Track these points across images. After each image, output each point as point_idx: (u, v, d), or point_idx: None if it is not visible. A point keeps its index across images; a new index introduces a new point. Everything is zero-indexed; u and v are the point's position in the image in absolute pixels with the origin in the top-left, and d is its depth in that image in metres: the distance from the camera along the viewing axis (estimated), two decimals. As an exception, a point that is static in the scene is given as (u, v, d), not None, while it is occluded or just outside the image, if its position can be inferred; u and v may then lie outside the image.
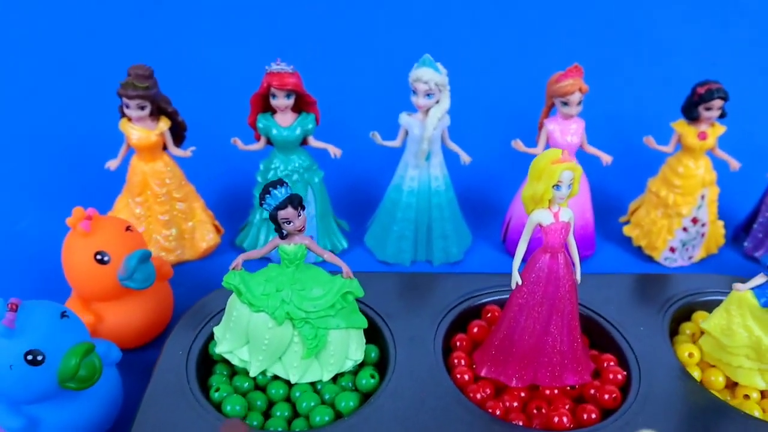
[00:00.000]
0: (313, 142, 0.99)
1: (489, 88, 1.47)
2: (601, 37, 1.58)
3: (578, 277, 0.74)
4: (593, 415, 0.73)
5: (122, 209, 1.01)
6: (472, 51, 1.53)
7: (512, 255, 1.07)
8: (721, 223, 1.10)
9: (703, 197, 1.04)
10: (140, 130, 0.95)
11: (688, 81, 1.01)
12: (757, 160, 1.13)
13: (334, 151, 0.99)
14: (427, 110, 0.97)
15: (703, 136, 1.01)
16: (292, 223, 0.71)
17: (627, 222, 1.12)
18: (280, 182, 0.71)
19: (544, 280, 0.72)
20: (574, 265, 0.74)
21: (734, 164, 1.04)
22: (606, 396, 0.75)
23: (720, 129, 1.02)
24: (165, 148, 0.99)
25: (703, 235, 1.06)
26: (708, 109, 0.99)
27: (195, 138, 1.04)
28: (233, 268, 0.74)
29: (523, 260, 0.74)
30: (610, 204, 1.20)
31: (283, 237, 0.73)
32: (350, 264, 1.04)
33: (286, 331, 0.74)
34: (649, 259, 1.08)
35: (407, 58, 0.98)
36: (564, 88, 0.96)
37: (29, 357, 0.65)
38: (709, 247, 1.09)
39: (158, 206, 0.99)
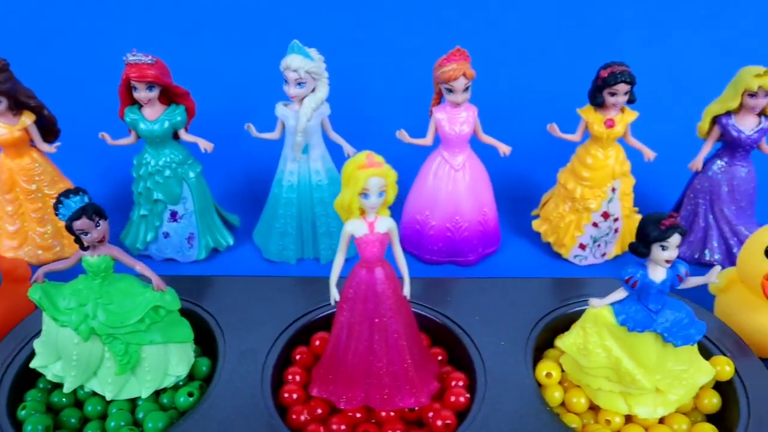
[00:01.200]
0: (184, 135, 0.94)
1: (383, 75, 1.38)
2: (515, 16, 1.46)
3: (407, 291, 0.67)
4: (420, 443, 0.67)
5: (-4, 206, 0.98)
6: (367, 33, 1.43)
7: (409, 252, 1.02)
8: (639, 217, 1.00)
9: (614, 190, 0.95)
10: (1, 125, 0.91)
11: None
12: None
13: (204, 145, 0.93)
14: (303, 100, 0.90)
15: (610, 123, 0.91)
16: (89, 234, 0.66)
17: (538, 216, 1.04)
18: (75, 191, 0.66)
19: (362, 297, 0.66)
20: (402, 278, 0.67)
21: (649, 154, 0.94)
22: (439, 422, 0.69)
23: (631, 115, 0.92)
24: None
25: (616, 230, 0.97)
26: (613, 94, 0.89)
27: (78, 132, 1.00)
28: (34, 281, 0.70)
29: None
30: (527, 194, 1.11)
31: (84, 248, 0.68)
32: (234, 262, 1.01)
33: (95, 346, 0.69)
34: (559, 256, 1.00)
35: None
36: (446, 73, 0.88)
37: None
38: (624, 243, 0.99)
39: (29, 203, 0.96)
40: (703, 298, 0.88)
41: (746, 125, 0.92)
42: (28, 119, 0.92)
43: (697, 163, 0.96)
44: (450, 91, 0.89)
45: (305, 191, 0.94)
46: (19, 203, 0.96)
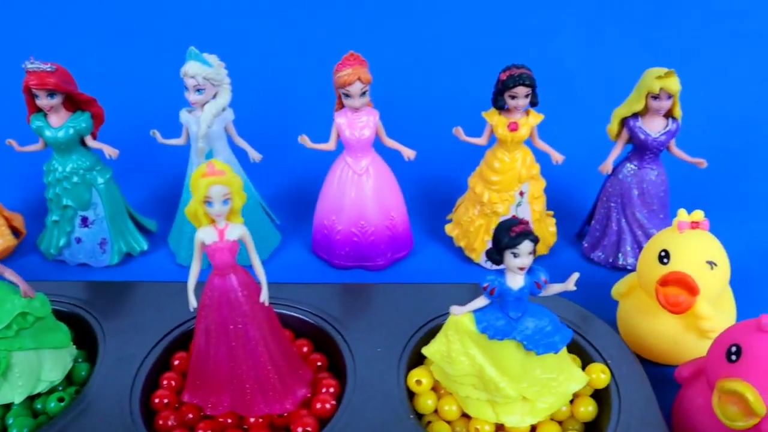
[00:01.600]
0: (90, 142, 0.95)
1: (292, 80, 1.38)
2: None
3: (264, 298, 0.67)
4: (278, 450, 0.67)
5: None
6: (275, 38, 1.43)
7: (320, 257, 1.02)
8: (552, 221, 0.99)
9: (522, 194, 0.94)
10: None
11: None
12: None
13: (109, 151, 0.94)
14: (204, 106, 0.90)
15: (513, 126, 0.90)
16: (-48, 243, 0.67)
17: (452, 220, 1.03)
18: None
19: (216, 304, 0.66)
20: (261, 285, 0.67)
21: (556, 157, 0.93)
22: (300, 429, 0.68)
23: (536, 118, 0.91)
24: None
25: (526, 235, 0.96)
26: (513, 97, 0.88)
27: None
28: None
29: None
30: (445, 198, 1.09)
31: (-49, 256, 0.69)
32: (148, 267, 1.01)
33: (-36, 353, 0.70)
34: (471, 260, 0.99)
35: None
36: (342, 78, 0.87)
37: None
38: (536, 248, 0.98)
39: (-56, 209, 0.98)
40: (608, 303, 0.87)
41: (653, 128, 0.91)
42: (-63, 127, 0.94)
43: (607, 165, 0.95)
44: (347, 95, 0.89)
45: (212, 196, 0.95)
46: (-69, 210, 0.98)
